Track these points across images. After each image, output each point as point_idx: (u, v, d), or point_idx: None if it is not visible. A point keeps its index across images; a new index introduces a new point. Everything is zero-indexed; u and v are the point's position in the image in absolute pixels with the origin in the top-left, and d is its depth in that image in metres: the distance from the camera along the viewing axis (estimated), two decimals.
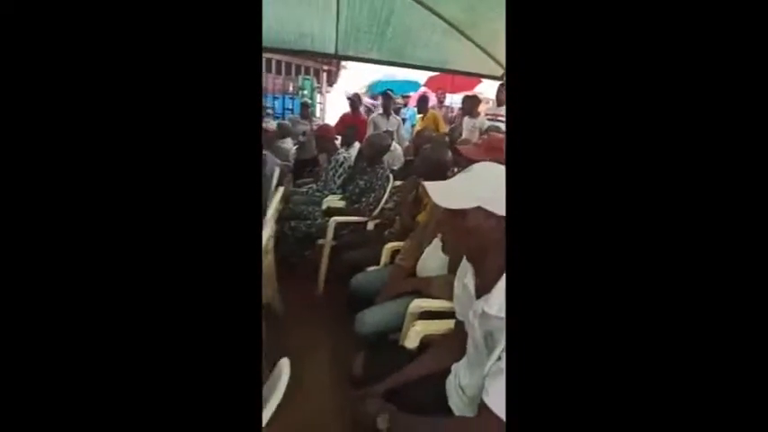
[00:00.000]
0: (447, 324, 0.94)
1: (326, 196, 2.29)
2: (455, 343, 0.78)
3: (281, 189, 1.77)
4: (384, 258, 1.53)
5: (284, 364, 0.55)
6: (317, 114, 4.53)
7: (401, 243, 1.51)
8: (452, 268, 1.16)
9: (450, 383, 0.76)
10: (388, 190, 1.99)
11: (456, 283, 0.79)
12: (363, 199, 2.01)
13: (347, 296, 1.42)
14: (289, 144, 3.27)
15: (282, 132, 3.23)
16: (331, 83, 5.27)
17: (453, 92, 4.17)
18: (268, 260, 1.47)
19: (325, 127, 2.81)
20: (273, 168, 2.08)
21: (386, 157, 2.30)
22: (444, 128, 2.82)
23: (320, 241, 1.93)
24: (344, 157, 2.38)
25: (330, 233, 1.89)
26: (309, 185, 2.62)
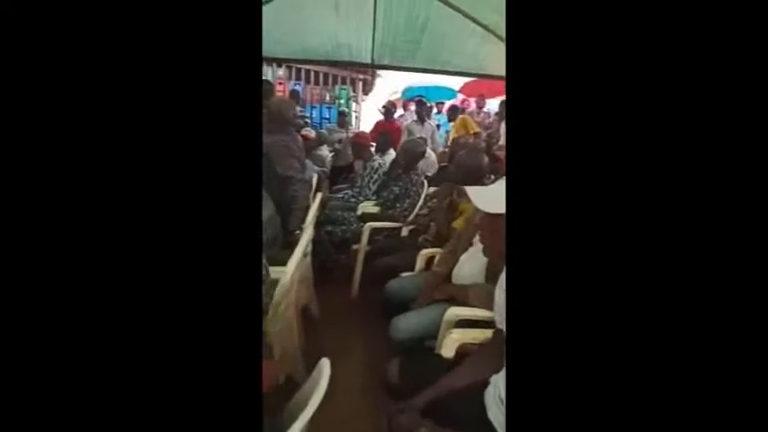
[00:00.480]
0: (485, 333, 0.91)
1: (362, 202, 2.32)
2: (494, 353, 0.75)
3: (320, 195, 1.82)
4: (419, 264, 1.52)
5: (324, 365, 0.56)
6: (353, 123, 4.64)
7: (436, 249, 1.49)
8: (489, 276, 1.13)
9: (490, 396, 0.73)
10: (422, 196, 1.99)
11: (497, 291, 0.77)
12: (398, 205, 2.02)
13: (382, 301, 1.43)
14: (325, 151, 3.37)
15: (320, 140, 3.33)
16: (366, 91, 5.38)
17: (490, 97, 4.10)
18: (306, 263, 1.51)
19: (360, 134, 2.86)
20: (312, 175, 2.14)
21: (420, 164, 2.30)
22: (475, 127, 2.77)
23: (355, 246, 1.96)
24: (379, 164, 2.41)
25: (365, 238, 1.91)
26: (345, 191, 2.68)
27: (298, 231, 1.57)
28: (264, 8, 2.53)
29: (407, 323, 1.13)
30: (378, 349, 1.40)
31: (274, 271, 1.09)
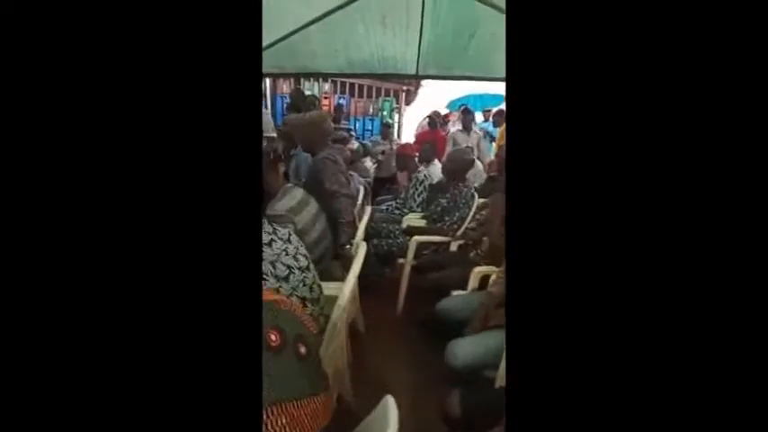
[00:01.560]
0: None
1: (406, 214, 2.27)
2: None
3: (369, 209, 1.80)
4: (472, 283, 1.42)
5: (390, 404, 0.51)
6: (395, 134, 4.64)
7: (491, 268, 1.40)
8: None
9: None
10: (473, 209, 1.89)
11: None
12: (446, 218, 1.94)
13: (432, 321, 1.35)
14: (368, 163, 3.39)
15: (364, 152, 3.36)
16: (409, 102, 5.39)
17: None
18: (353, 278, 1.48)
19: (405, 145, 2.83)
20: (358, 187, 2.14)
21: (469, 174, 2.21)
22: None
23: (401, 260, 1.90)
24: (425, 175, 2.36)
25: (411, 252, 1.85)
26: (388, 203, 2.65)
27: (348, 246, 1.55)
28: (313, 27, 2.64)
29: (465, 350, 1.04)
30: (430, 375, 1.32)
31: (327, 287, 1.06)
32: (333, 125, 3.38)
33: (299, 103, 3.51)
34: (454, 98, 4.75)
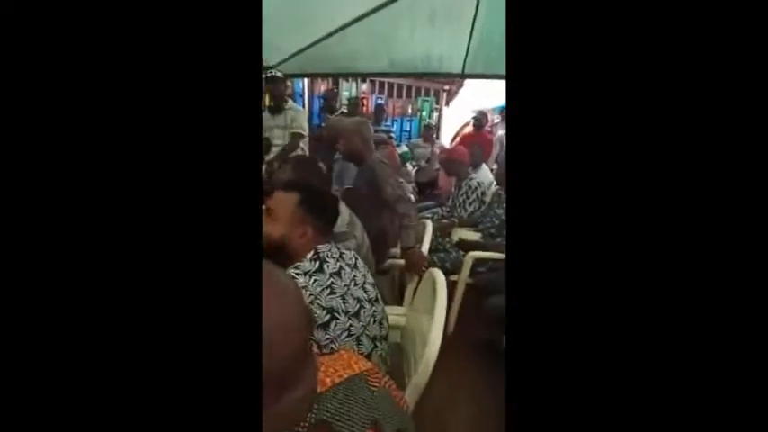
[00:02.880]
0: None
1: (455, 225, 2.11)
2: None
3: (430, 223, 1.66)
4: None
5: None
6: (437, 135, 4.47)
7: None
8: None
9: None
10: None
11: None
12: (505, 233, 1.76)
13: (497, 355, 1.20)
14: (409, 166, 3.25)
15: (412, 156, 3.22)
16: (449, 102, 5.19)
17: None
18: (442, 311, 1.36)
19: (455, 148, 2.66)
20: (409, 195, 2.00)
21: None
22: None
23: (453, 277, 1.75)
24: (478, 183, 2.18)
25: (466, 269, 1.70)
26: (432, 210, 2.50)
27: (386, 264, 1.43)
28: (354, 26, 2.53)
29: None
30: (494, 416, 1.16)
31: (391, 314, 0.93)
32: (372, 128, 3.30)
33: (333, 103, 3.44)
34: (500, 98, 4.50)
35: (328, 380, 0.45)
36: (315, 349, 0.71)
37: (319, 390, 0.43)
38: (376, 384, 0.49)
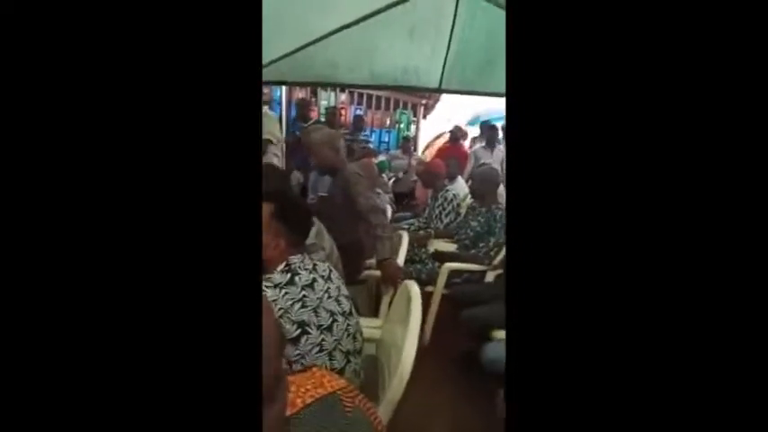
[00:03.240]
0: None
1: (432, 236, 2.13)
2: None
3: (406, 234, 1.66)
4: None
5: None
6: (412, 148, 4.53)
7: None
8: None
9: None
10: None
11: None
12: (481, 244, 1.79)
13: (477, 372, 1.20)
14: (385, 177, 3.26)
15: (389, 167, 3.24)
16: (426, 116, 5.30)
17: None
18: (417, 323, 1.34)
19: (433, 161, 2.71)
20: (385, 206, 2.00)
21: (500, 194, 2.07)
22: None
23: (429, 288, 1.75)
24: (454, 195, 2.22)
25: (442, 281, 1.70)
26: (409, 221, 2.51)
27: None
28: (334, 36, 2.55)
29: None
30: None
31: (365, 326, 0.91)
32: (346, 140, 3.29)
33: (306, 112, 3.42)
34: (475, 113, 4.64)
35: (299, 400, 0.43)
36: (284, 366, 0.68)
37: (289, 412, 0.41)
38: (350, 404, 0.47)
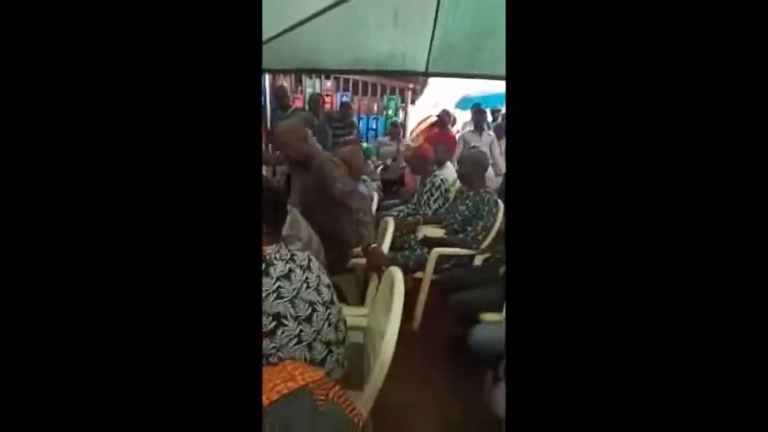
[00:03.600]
0: None
1: (420, 222, 2.11)
2: None
3: (391, 220, 1.63)
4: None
5: None
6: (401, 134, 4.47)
7: None
8: None
9: None
10: (499, 218, 1.73)
11: None
12: (469, 228, 1.78)
13: (464, 354, 1.20)
14: (371, 165, 3.22)
15: (377, 155, 3.19)
16: (414, 101, 5.22)
17: None
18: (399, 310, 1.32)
19: (421, 146, 2.67)
20: (371, 193, 1.97)
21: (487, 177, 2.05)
22: None
23: (418, 274, 1.74)
24: (442, 180, 2.19)
25: (431, 266, 1.69)
26: (398, 208, 2.49)
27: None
28: (316, 21, 2.46)
29: None
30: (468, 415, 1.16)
31: (346, 314, 0.89)
32: (334, 129, 3.20)
33: (285, 101, 3.32)
34: (463, 96, 4.58)
35: (264, 397, 0.41)
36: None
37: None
38: (322, 398, 0.45)
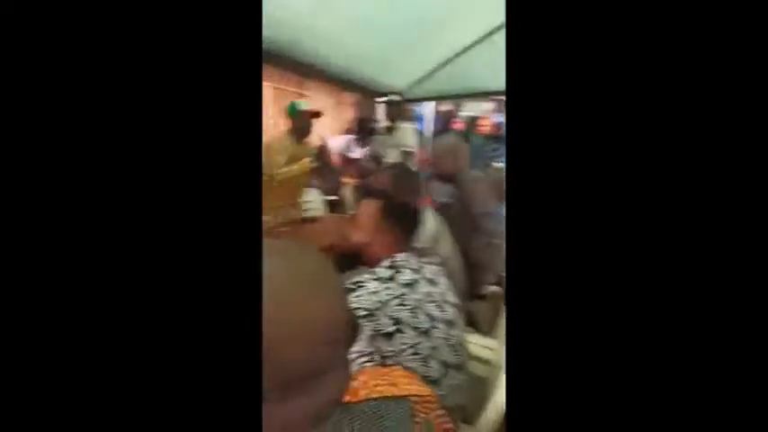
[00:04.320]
0: None
1: None
2: None
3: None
4: None
5: None
6: None
7: None
8: None
9: None
10: None
11: None
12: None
13: None
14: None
15: None
16: None
17: None
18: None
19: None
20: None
21: None
22: None
23: None
24: None
25: None
26: None
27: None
28: (477, 48, 2.48)
29: None
30: None
31: (471, 343, 0.82)
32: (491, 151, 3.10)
33: (449, 125, 3.39)
34: None
35: (363, 392, 0.41)
36: (377, 359, 0.68)
37: (348, 399, 0.40)
38: (422, 414, 0.42)
